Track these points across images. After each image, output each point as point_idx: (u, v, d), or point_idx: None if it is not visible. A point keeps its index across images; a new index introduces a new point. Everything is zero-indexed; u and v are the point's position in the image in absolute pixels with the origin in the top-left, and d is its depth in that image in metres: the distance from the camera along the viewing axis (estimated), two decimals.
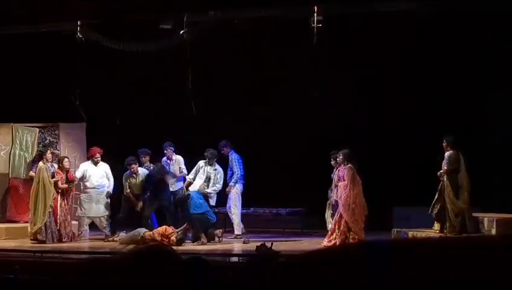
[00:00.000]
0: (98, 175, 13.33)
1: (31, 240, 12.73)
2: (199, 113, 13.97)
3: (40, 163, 12.94)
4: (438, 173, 11.91)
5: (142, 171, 13.40)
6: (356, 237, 11.70)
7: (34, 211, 12.69)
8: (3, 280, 7.02)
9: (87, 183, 13.34)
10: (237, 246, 12.38)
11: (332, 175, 12.84)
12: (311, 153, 13.26)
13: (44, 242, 12.53)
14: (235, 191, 13.50)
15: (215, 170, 13.12)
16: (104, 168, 13.42)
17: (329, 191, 12.85)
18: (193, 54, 13.71)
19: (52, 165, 13.13)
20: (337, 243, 11.62)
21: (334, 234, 11.86)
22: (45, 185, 12.69)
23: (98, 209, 13.31)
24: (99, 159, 13.36)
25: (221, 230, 12.93)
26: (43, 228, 12.63)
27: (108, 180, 13.42)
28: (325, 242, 11.90)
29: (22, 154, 14.41)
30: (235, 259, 10.74)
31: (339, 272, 2.48)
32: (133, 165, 13.28)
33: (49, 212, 12.67)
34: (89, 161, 13.46)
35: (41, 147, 13.70)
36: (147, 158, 13.59)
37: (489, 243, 2.60)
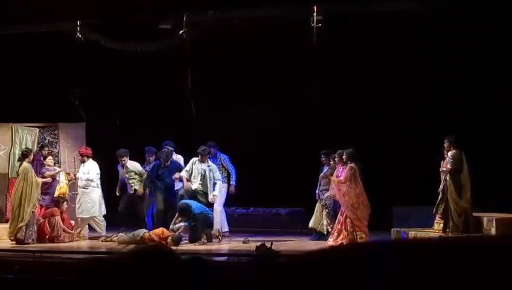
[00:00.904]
0: (83, 174, 13.30)
1: (11, 240, 12.60)
2: (198, 113, 13.96)
3: (25, 163, 12.83)
4: (440, 169, 11.91)
5: (132, 165, 13.40)
6: (363, 236, 11.70)
7: (19, 210, 12.58)
8: (3, 280, 7.01)
9: (78, 183, 13.35)
10: (237, 246, 12.36)
11: (320, 174, 12.84)
12: (311, 153, 13.25)
13: (22, 241, 12.46)
14: (224, 191, 13.46)
15: (209, 166, 12.99)
16: (89, 167, 13.36)
17: (319, 192, 12.83)
18: (193, 53, 13.70)
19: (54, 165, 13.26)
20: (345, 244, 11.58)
21: (342, 235, 11.84)
22: (33, 184, 12.64)
23: (88, 208, 13.25)
24: (82, 158, 13.32)
25: (218, 229, 12.90)
26: (24, 227, 12.57)
27: (90, 175, 13.36)
28: (330, 242, 11.87)
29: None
30: (234, 259, 10.73)
31: (339, 272, 2.48)
32: (124, 158, 13.31)
33: (33, 212, 12.63)
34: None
35: (25, 148, 13.56)
36: (154, 157, 13.57)
37: (489, 243, 2.59)
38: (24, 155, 12.93)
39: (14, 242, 12.54)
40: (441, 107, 13.83)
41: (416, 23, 13.02)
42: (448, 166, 11.79)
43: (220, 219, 13.23)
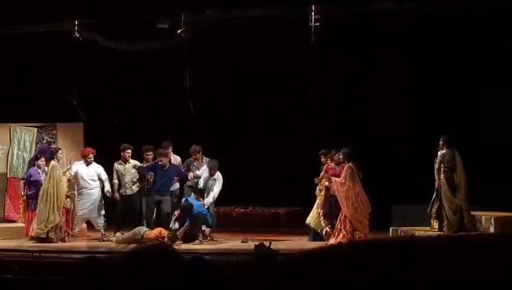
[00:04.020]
0: (88, 175, 13.23)
1: (37, 238, 12.61)
2: (197, 113, 13.95)
3: (52, 161, 12.86)
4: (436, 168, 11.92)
5: (134, 163, 13.34)
6: (362, 235, 11.69)
7: (49, 209, 12.57)
8: (2, 280, 7.00)
9: (78, 184, 13.29)
10: (236, 246, 12.36)
11: (320, 174, 12.82)
12: (310, 152, 13.25)
13: (52, 241, 12.49)
14: None
15: (215, 179, 12.94)
16: (95, 168, 13.29)
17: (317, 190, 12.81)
18: (191, 53, 13.68)
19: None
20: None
21: (341, 234, 11.83)
22: (59, 183, 12.64)
23: (91, 209, 13.20)
24: (92, 159, 13.28)
25: (209, 229, 12.87)
26: (54, 226, 12.58)
27: (103, 181, 13.31)
28: (331, 241, 11.86)
29: (20, 154, 14.41)
30: (233, 258, 10.73)
31: (338, 271, 2.48)
32: (128, 151, 13.25)
33: (60, 211, 12.64)
34: (81, 161, 13.39)
35: (53, 148, 13.63)
36: (152, 155, 13.43)
37: (489, 242, 2.59)
38: (51, 154, 12.95)
39: (34, 241, 12.50)
40: (441, 106, 13.84)
41: (416, 23, 13.03)
42: (441, 165, 11.80)
43: None
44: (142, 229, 12.52)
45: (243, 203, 14.54)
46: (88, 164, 13.24)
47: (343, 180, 11.90)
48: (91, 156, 13.26)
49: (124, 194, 13.24)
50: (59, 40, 14.03)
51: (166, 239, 11.97)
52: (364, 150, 12.61)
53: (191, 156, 13.26)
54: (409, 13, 12.73)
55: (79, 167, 13.29)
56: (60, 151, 13.26)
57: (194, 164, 13.23)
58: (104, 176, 13.29)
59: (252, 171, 13.94)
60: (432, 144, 12.10)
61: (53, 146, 13.85)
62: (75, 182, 13.21)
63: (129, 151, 13.23)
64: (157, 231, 12.43)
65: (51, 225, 12.55)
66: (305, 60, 13.61)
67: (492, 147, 13.43)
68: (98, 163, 13.40)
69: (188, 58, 13.66)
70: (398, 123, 14.25)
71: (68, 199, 13.01)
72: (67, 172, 13.16)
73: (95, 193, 13.26)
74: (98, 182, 13.30)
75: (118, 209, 13.26)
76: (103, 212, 13.33)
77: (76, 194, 13.25)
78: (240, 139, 14.29)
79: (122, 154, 13.24)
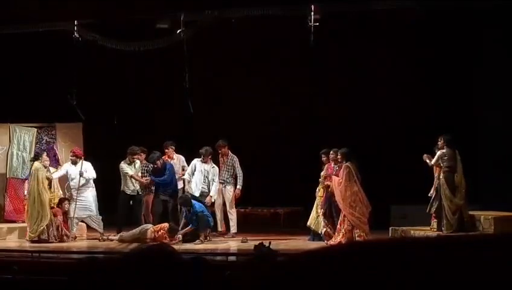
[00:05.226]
0: (76, 176, 13.21)
1: (32, 241, 12.63)
2: (197, 112, 13.96)
3: (36, 163, 12.84)
4: (428, 162, 11.91)
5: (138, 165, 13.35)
6: (362, 234, 11.69)
7: (37, 210, 12.58)
8: (2, 280, 7.01)
9: (70, 184, 13.27)
10: (236, 246, 12.38)
11: (322, 174, 12.83)
12: (310, 152, 13.26)
13: (47, 241, 12.49)
14: (236, 192, 13.38)
15: (213, 167, 12.96)
16: (85, 166, 13.20)
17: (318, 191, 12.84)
18: (190, 53, 13.69)
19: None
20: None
21: (341, 234, 11.84)
22: (41, 185, 12.64)
23: (85, 209, 13.18)
24: (75, 159, 13.12)
25: (209, 230, 12.87)
26: (45, 227, 12.58)
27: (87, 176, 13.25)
28: (332, 242, 11.87)
29: (19, 154, 14.41)
30: (233, 258, 10.75)
31: (339, 272, 2.48)
32: (136, 156, 13.21)
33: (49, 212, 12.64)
34: (69, 162, 13.38)
35: (38, 149, 13.60)
36: (143, 156, 13.42)
37: (489, 242, 2.59)
38: (35, 157, 13.00)
39: (37, 242, 12.51)
40: (440, 106, 13.85)
41: (416, 22, 13.05)
42: (441, 164, 11.80)
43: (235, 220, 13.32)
44: (147, 226, 12.57)
45: (243, 203, 14.53)
46: (74, 163, 13.16)
47: (341, 180, 11.92)
48: (71, 154, 13.20)
49: (132, 194, 13.25)
50: (59, 40, 14.03)
51: (163, 231, 12.06)
52: (362, 150, 12.62)
53: (217, 151, 13.24)
54: (408, 12, 12.74)
55: (69, 168, 13.24)
56: (45, 154, 13.19)
57: (221, 159, 13.22)
58: (89, 174, 13.20)
59: (251, 171, 13.93)
60: (432, 144, 12.11)
61: (50, 146, 13.83)
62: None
63: (136, 156, 13.23)
64: (160, 225, 12.54)
65: (41, 228, 12.56)
66: (305, 60, 13.62)
67: (493, 146, 13.44)
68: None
69: (187, 57, 13.65)
70: (398, 123, 14.26)
71: (66, 201, 13.03)
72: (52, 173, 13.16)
73: (89, 192, 13.21)
74: (90, 182, 13.25)
75: (119, 210, 13.26)
76: (97, 211, 13.22)
77: (73, 194, 13.25)
78: (240, 139, 14.28)
79: (128, 157, 13.24)
